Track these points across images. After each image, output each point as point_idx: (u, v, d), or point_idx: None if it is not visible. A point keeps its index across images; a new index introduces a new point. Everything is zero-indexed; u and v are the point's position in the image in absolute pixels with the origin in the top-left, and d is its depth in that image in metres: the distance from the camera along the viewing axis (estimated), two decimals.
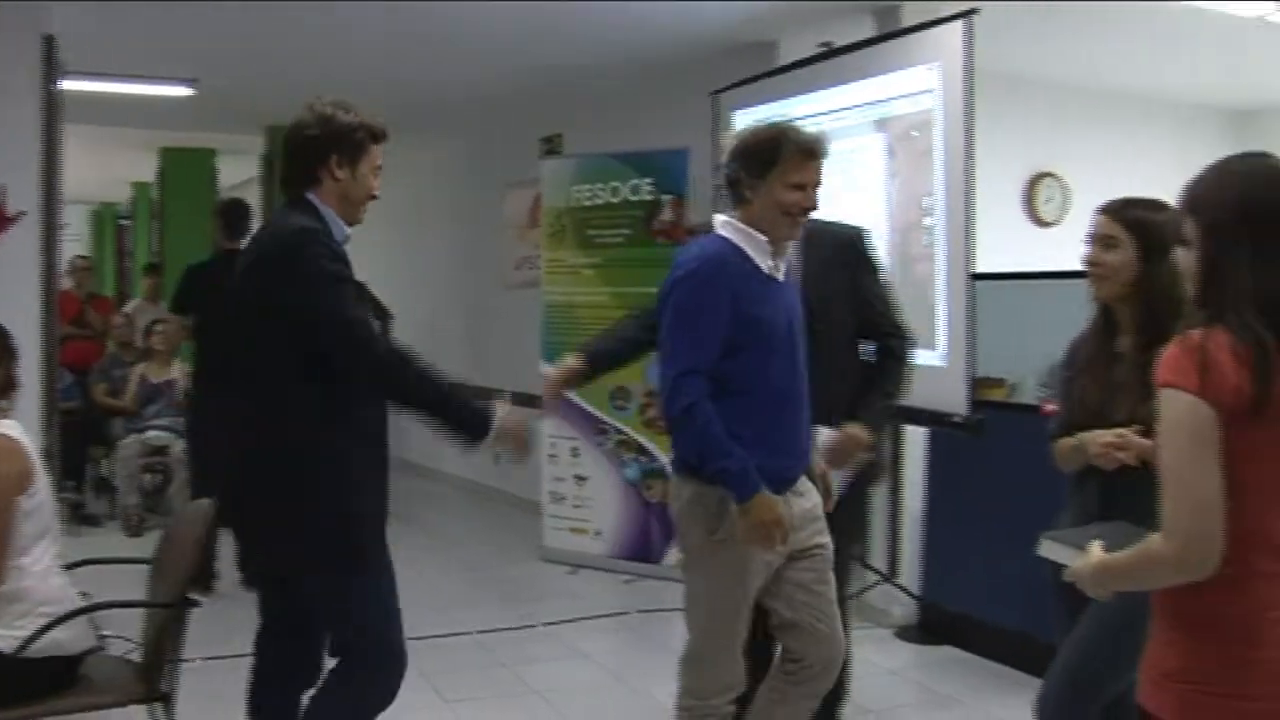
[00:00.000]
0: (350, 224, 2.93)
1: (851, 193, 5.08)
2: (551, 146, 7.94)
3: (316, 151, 2.87)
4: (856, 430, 3.32)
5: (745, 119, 5.72)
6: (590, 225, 6.55)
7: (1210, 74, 7.06)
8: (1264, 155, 1.91)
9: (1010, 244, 5.82)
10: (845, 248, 3.51)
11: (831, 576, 3.10)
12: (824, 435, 3.27)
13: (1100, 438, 2.59)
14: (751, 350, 2.89)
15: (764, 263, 2.93)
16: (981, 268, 4.55)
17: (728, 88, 5.88)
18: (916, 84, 4.70)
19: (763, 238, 2.92)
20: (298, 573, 2.88)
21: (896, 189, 4.92)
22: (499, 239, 8.71)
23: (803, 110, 5.33)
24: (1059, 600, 2.68)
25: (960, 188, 4.46)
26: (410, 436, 9.65)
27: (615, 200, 6.43)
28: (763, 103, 5.59)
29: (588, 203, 6.55)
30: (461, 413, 2.87)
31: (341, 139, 2.87)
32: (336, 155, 2.86)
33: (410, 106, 8.06)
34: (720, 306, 2.86)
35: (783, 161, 2.85)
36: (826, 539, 3.09)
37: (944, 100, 4.56)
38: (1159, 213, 2.63)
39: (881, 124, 4.91)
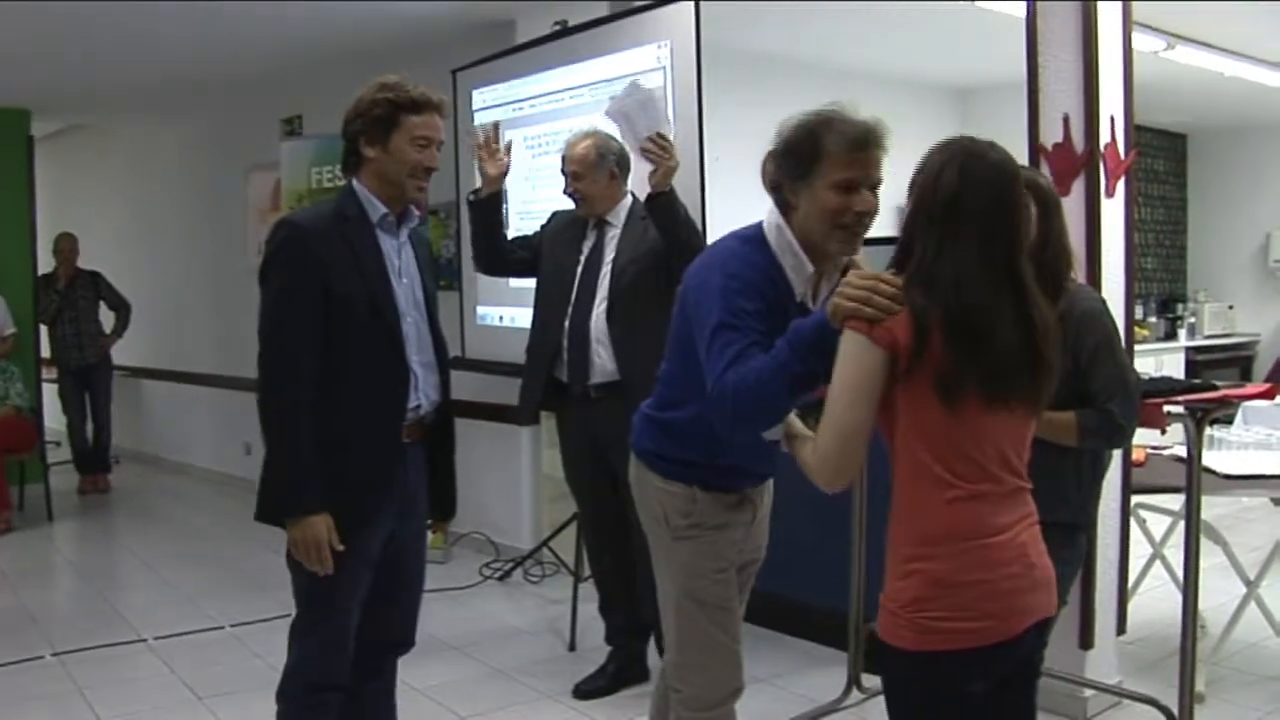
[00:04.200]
0: (397, 201, 2.87)
1: None
2: (292, 128, 7.76)
3: (347, 133, 2.88)
4: None
5: (484, 97, 5.76)
6: None
7: (936, 55, 7.51)
8: (965, 141, 2.03)
9: (751, 215, 6.09)
10: None
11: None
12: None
13: None
14: None
15: (798, 288, 2.41)
16: (718, 235, 4.70)
17: (467, 66, 5.89)
18: (649, 62, 4.82)
19: (806, 260, 2.38)
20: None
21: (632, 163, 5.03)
22: (242, 222, 8.45)
23: (540, 88, 5.42)
24: None
25: (692, 161, 4.60)
26: (151, 430, 9.39)
27: None
28: (501, 81, 5.65)
29: (329, 184, 6.43)
30: (279, 479, 2.67)
31: (362, 116, 2.85)
32: (363, 134, 2.84)
33: (148, 88, 7.73)
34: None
35: (828, 156, 2.27)
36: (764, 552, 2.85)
37: (675, 77, 4.70)
38: (1040, 175, 2.89)
39: None
